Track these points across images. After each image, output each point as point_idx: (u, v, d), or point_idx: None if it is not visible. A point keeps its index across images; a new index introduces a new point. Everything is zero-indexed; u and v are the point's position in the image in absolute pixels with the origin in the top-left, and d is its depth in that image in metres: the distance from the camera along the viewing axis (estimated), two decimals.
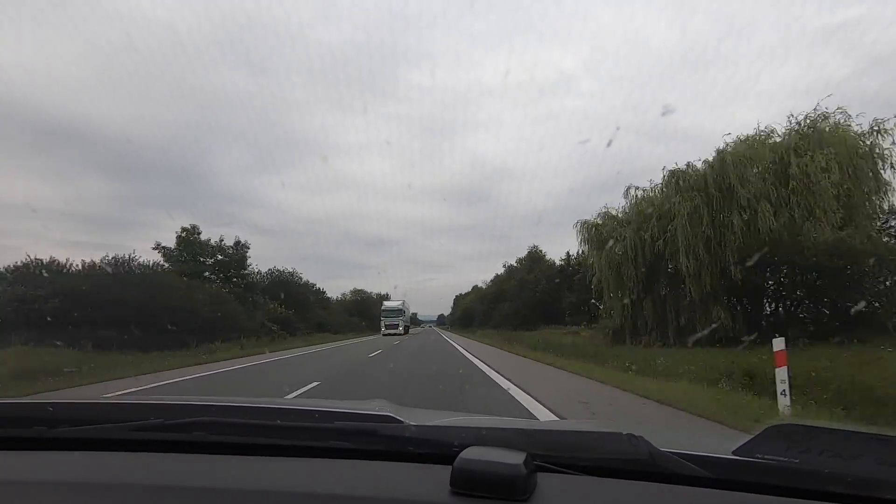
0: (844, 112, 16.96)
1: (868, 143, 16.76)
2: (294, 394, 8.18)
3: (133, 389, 8.93)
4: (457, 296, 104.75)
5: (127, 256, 24.92)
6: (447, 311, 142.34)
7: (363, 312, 69.41)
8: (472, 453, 0.86)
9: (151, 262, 26.93)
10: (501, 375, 10.56)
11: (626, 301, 19.30)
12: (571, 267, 46.15)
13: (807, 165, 15.73)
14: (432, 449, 0.98)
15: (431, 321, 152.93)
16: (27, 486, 0.92)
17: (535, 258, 57.05)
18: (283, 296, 35.95)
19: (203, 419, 1.06)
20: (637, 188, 20.46)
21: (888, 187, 16.71)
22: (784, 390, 5.86)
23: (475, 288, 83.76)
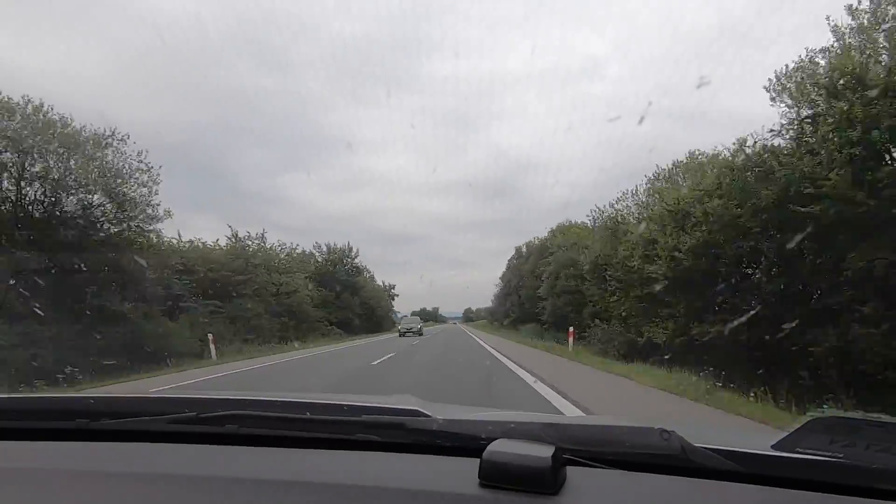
0: None
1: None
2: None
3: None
4: (521, 246, 47.04)
5: None
6: (475, 305, 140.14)
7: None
8: (500, 446, 0.86)
9: None
10: None
11: None
12: None
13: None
14: (460, 442, 0.99)
15: (457, 317, 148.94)
16: (71, 475, 0.96)
17: None
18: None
19: (235, 412, 1.10)
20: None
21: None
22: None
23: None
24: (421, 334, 35.25)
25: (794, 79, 13.63)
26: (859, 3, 12.11)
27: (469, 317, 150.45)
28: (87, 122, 16.26)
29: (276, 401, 1.20)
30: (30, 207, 16.00)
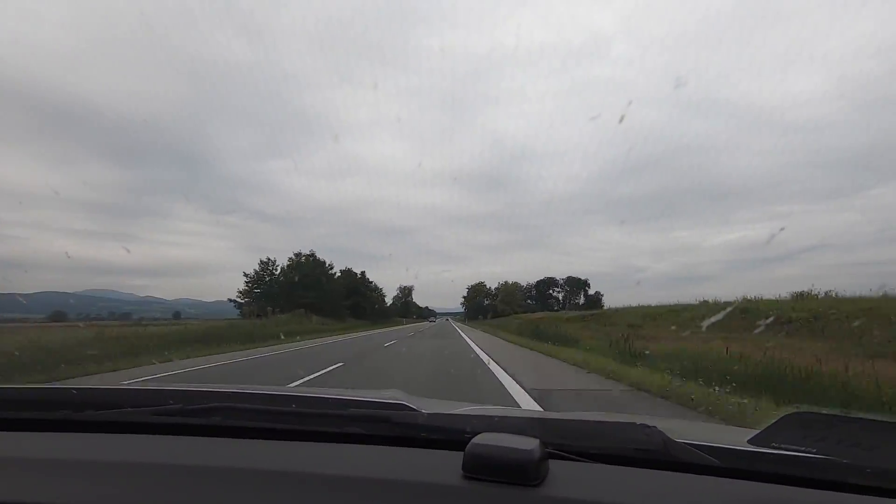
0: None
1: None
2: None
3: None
4: None
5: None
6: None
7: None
8: (484, 439, 0.92)
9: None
10: None
11: None
12: None
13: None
14: (444, 435, 1.05)
15: (448, 313, 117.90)
16: (54, 465, 1.01)
17: None
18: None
19: (220, 405, 1.15)
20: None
21: None
22: None
23: None
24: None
25: None
26: None
27: (477, 309, 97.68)
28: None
29: (262, 393, 1.25)
30: None
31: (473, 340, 24.44)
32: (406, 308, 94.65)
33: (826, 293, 24.64)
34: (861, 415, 1.00)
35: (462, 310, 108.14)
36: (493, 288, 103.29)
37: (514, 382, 9.29)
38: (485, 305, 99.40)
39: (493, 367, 11.89)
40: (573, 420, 1.12)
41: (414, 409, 1.12)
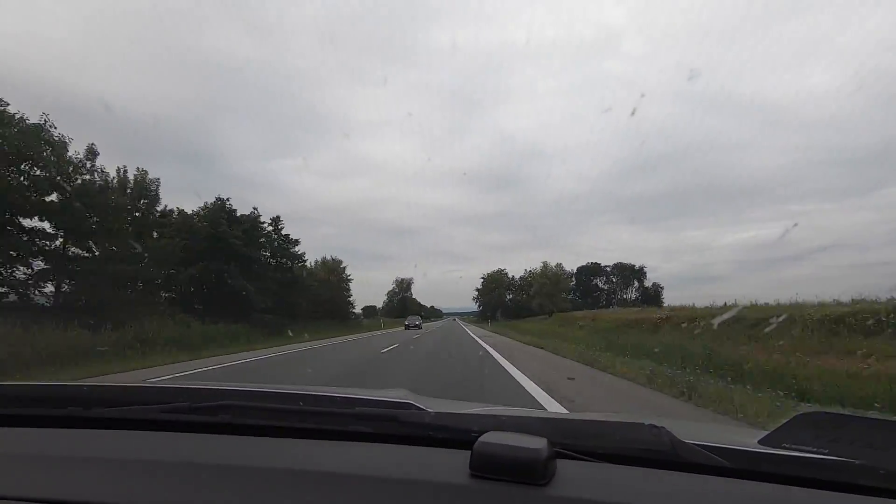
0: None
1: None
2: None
3: None
4: None
5: None
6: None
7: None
8: (491, 437, 0.92)
9: None
10: None
11: None
12: None
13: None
14: (452, 434, 1.05)
15: (457, 312, 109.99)
16: (62, 461, 1.02)
17: None
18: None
19: (229, 403, 1.17)
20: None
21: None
22: None
23: None
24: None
25: None
26: None
27: (495, 306, 74.85)
28: None
29: (270, 392, 1.26)
30: None
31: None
32: (403, 306, 71.35)
33: None
34: (873, 415, 0.99)
35: (476, 308, 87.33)
36: (516, 278, 79.73)
37: None
38: (507, 301, 77.21)
39: None
40: (581, 420, 1.11)
41: (421, 409, 1.12)
